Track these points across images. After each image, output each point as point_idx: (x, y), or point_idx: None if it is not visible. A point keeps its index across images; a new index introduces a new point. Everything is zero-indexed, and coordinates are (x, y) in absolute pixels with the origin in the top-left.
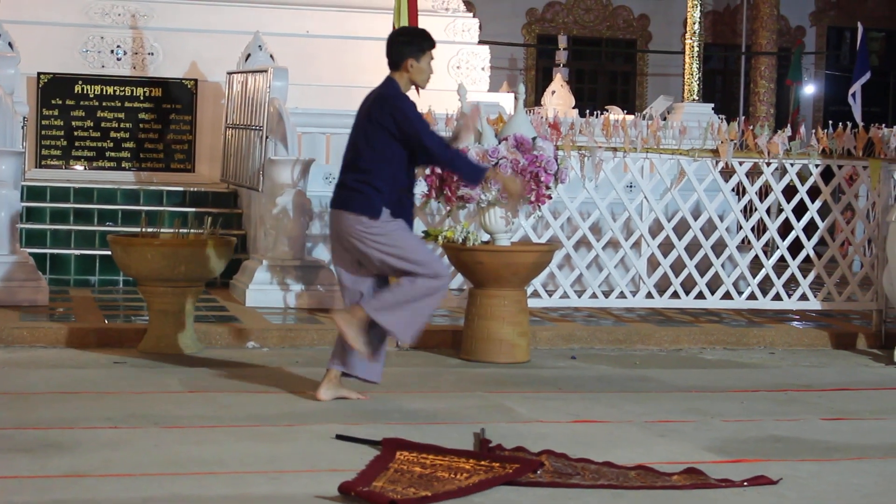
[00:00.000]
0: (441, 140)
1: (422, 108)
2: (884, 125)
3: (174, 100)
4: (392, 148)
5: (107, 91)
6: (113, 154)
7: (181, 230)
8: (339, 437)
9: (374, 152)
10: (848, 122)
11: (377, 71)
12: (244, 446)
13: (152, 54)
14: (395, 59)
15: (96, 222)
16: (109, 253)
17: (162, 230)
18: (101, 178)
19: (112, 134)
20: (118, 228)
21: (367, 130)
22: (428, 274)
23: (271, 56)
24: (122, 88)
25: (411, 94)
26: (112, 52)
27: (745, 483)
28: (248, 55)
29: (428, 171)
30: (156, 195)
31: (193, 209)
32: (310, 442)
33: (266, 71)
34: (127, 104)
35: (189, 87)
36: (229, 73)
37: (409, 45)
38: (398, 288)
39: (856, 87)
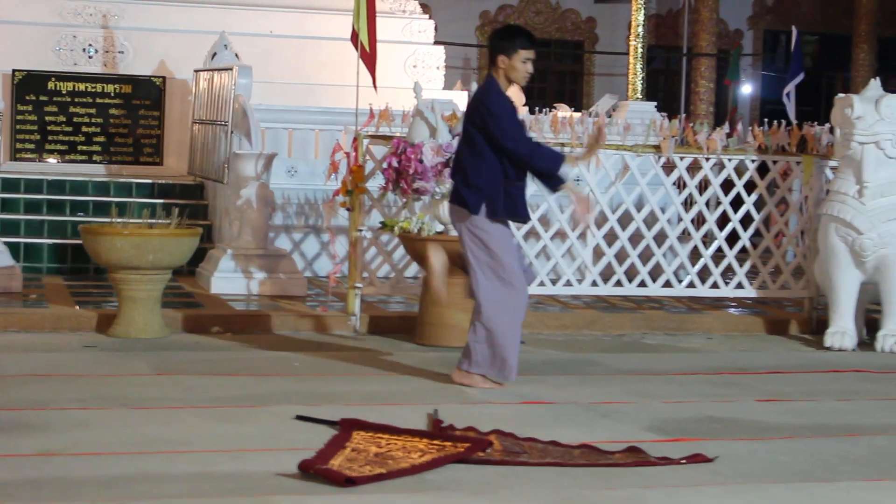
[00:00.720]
0: (525, 141)
1: (378, 105)
2: (816, 123)
3: (143, 96)
4: (485, 145)
5: (79, 88)
6: (84, 148)
7: (150, 220)
8: (299, 417)
9: (471, 149)
10: (782, 121)
11: (337, 69)
12: (208, 426)
13: (123, 53)
14: (491, 55)
15: (68, 213)
16: (81, 242)
17: (131, 220)
18: (73, 171)
19: (84, 128)
20: (89, 219)
21: (466, 128)
22: (512, 281)
23: (236, 55)
24: (93, 85)
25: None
26: (84, 50)
27: (683, 461)
28: (215, 54)
29: (385, 165)
30: (125, 187)
31: (161, 200)
32: (271, 422)
33: (231, 69)
34: (98, 100)
35: (158, 84)
36: (196, 71)
37: (501, 42)
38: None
39: (790, 87)
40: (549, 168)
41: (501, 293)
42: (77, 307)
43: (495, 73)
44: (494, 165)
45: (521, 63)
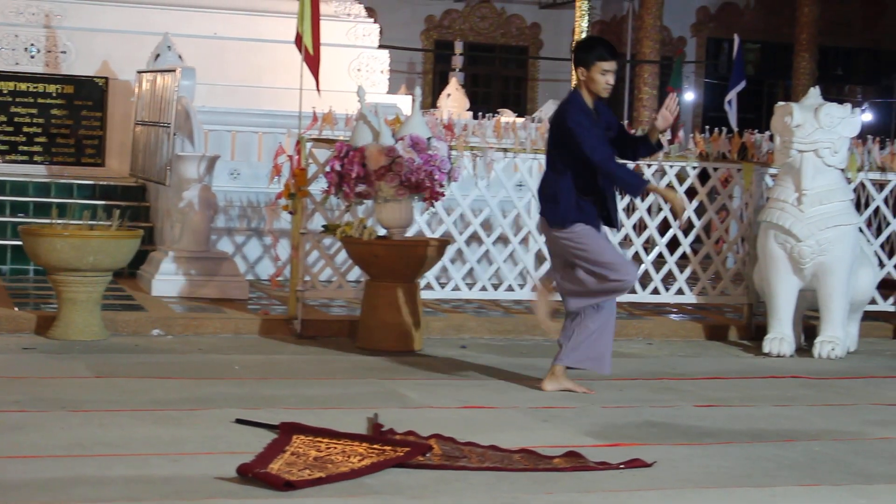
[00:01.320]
0: (603, 151)
1: (322, 108)
2: (757, 131)
3: (86, 97)
4: (567, 155)
5: (20, 87)
6: (25, 148)
7: (90, 222)
8: (239, 421)
9: (555, 161)
10: (724, 128)
11: (281, 72)
12: (147, 429)
13: (65, 53)
14: (574, 68)
15: (8, 213)
16: (20, 243)
17: (72, 222)
18: (14, 171)
19: (25, 129)
20: (30, 220)
21: (549, 140)
22: (617, 278)
23: (180, 56)
24: (35, 85)
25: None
26: (26, 49)
27: (622, 465)
28: (158, 55)
29: (328, 168)
30: (66, 188)
31: (103, 202)
32: (210, 425)
33: (174, 70)
34: (40, 100)
35: (100, 84)
36: (139, 72)
37: (580, 54)
38: (580, 324)
39: (731, 95)
40: (624, 173)
41: (601, 288)
42: (16, 308)
43: (579, 87)
44: (568, 181)
45: (600, 75)
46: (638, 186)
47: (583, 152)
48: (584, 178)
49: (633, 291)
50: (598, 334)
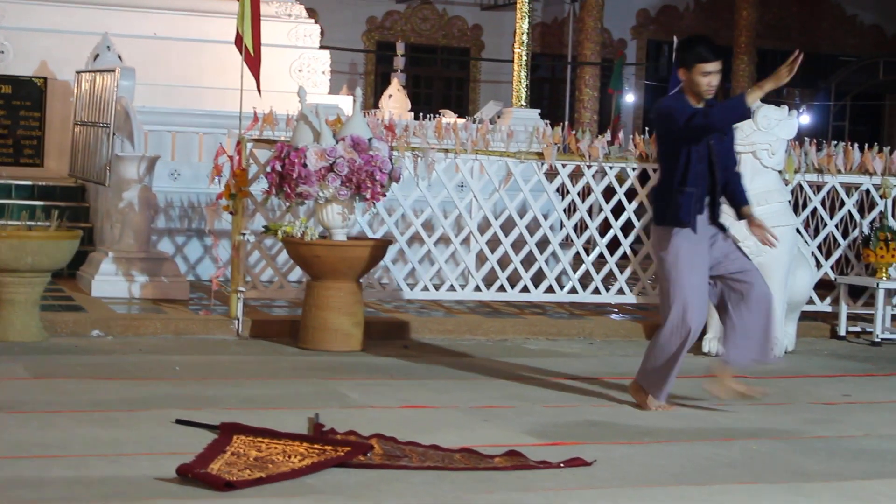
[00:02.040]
0: (695, 111)
1: (263, 109)
2: None
3: (24, 97)
4: (670, 156)
5: None
6: None
7: (29, 223)
8: (179, 421)
9: (661, 164)
10: None
11: (221, 72)
12: (86, 431)
13: (3, 52)
14: (675, 67)
15: None
16: None
17: (10, 222)
18: None
19: None
20: None
21: (657, 149)
22: (665, 313)
23: (119, 56)
24: None
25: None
26: None
27: (562, 464)
28: (97, 55)
29: (269, 169)
30: (4, 189)
31: (42, 202)
32: (150, 426)
33: (114, 71)
34: None
35: (39, 84)
36: (78, 72)
37: (680, 54)
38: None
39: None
40: (728, 115)
41: (665, 310)
42: None
43: (683, 89)
44: (667, 174)
45: (701, 77)
46: (740, 102)
47: (679, 127)
48: (689, 172)
49: (575, 291)
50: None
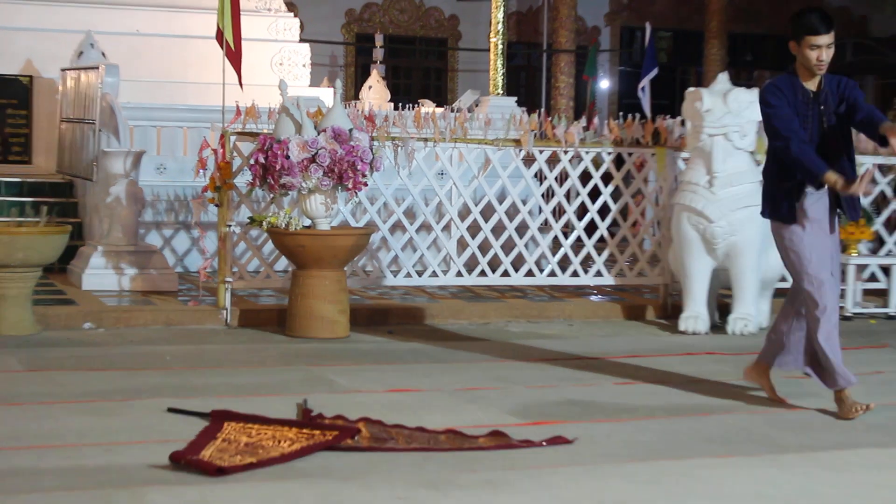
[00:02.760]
0: (784, 136)
1: (245, 102)
2: (669, 116)
3: (10, 95)
4: (768, 142)
5: None
6: None
7: (18, 219)
8: (171, 409)
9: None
10: (638, 114)
11: (203, 67)
12: (80, 421)
13: None
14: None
15: None
16: None
17: (0, 219)
18: None
19: None
20: None
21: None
22: (808, 290)
23: (103, 54)
24: None
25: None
26: None
27: (544, 443)
28: (81, 53)
29: (252, 161)
30: None
31: (31, 199)
32: (143, 415)
33: (98, 68)
34: None
35: (25, 83)
36: (63, 70)
37: (791, 27)
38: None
39: (644, 82)
40: (803, 171)
41: (809, 301)
42: None
43: (796, 64)
44: (770, 164)
45: (810, 49)
46: (816, 174)
47: (768, 135)
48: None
49: (554, 274)
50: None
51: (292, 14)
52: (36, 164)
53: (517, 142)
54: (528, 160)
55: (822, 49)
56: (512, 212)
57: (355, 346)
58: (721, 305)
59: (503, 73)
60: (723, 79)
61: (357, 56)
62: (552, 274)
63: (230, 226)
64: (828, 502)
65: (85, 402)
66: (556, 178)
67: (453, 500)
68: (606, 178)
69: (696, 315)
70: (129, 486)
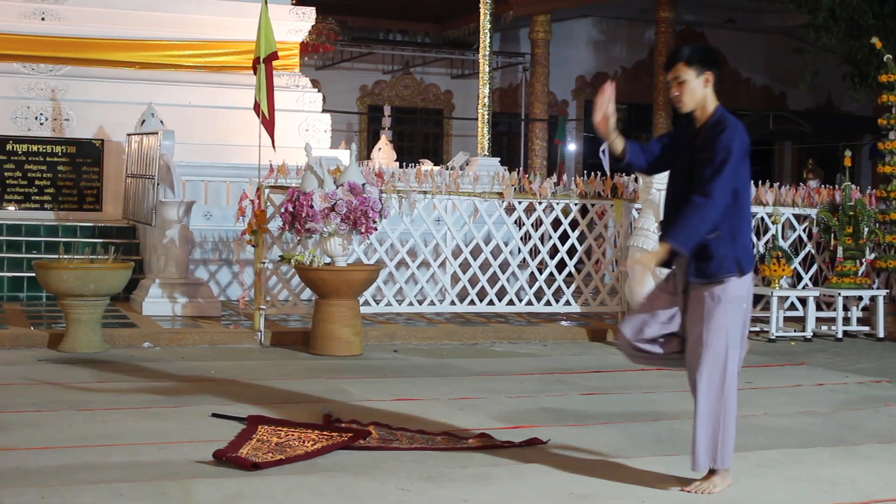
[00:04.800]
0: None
1: (277, 161)
2: (624, 174)
3: (86, 155)
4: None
5: (32, 148)
6: (37, 197)
7: (91, 256)
8: (214, 414)
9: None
10: (599, 172)
11: (243, 132)
12: (139, 424)
13: (68, 120)
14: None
15: (24, 251)
16: (34, 275)
17: (76, 257)
18: (28, 217)
19: (37, 182)
20: (41, 255)
21: None
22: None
23: (161, 121)
24: (44, 146)
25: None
26: (36, 118)
27: (523, 443)
28: (143, 121)
29: (283, 210)
30: (71, 229)
31: (101, 240)
32: (191, 419)
33: (157, 133)
34: (48, 159)
35: (97, 145)
36: (128, 135)
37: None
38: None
39: (604, 146)
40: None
41: None
42: (31, 328)
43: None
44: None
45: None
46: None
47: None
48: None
49: (531, 303)
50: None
51: (316, 90)
52: (105, 212)
53: (500, 194)
54: (510, 209)
55: (672, 85)
56: (496, 251)
57: (367, 362)
58: None
59: (489, 138)
60: None
61: (369, 123)
62: (529, 303)
63: (264, 262)
64: (754, 492)
65: (143, 409)
66: (532, 224)
67: (447, 491)
68: (574, 224)
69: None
70: (179, 478)
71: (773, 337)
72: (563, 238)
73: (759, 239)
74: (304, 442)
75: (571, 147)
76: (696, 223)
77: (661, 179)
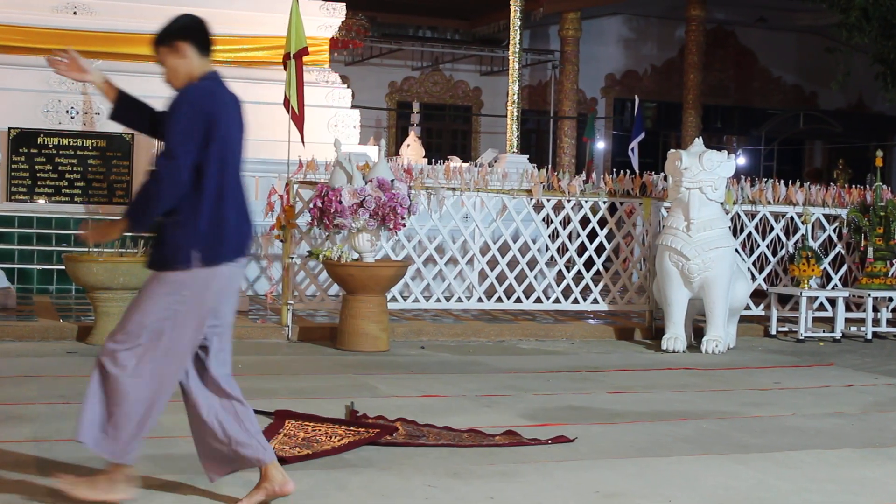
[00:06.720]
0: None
1: (306, 157)
2: (654, 172)
3: (116, 149)
4: None
5: (63, 142)
6: (67, 191)
7: (120, 250)
8: None
9: None
10: (628, 170)
11: (273, 128)
12: (167, 417)
13: (98, 114)
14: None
15: (54, 244)
16: (64, 268)
17: (105, 250)
18: (58, 210)
19: (67, 175)
20: (71, 249)
21: None
22: None
23: None
24: (74, 140)
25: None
26: (67, 112)
27: (549, 441)
28: None
29: (311, 205)
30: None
31: (130, 233)
32: None
33: None
34: (79, 152)
35: (127, 139)
36: None
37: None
38: None
39: (633, 144)
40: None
41: None
42: (61, 320)
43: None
44: None
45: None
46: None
47: None
48: None
49: (558, 301)
50: None
51: (345, 86)
52: None
53: (529, 192)
54: (538, 207)
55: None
56: (524, 249)
57: (394, 358)
58: (696, 329)
59: (517, 135)
60: (698, 142)
61: (398, 120)
62: (557, 300)
63: (292, 258)
64: (781, 493)
65: (174, 402)
66: (560, 222)
67: (474, 488)
68: (602, 222)
69: (675, 336)
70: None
71: (801, 337)
72: (592, 236)
73: (789, 239)
74: (330, 437)
75: (600, 145)
76: None
77: (690, 179)
